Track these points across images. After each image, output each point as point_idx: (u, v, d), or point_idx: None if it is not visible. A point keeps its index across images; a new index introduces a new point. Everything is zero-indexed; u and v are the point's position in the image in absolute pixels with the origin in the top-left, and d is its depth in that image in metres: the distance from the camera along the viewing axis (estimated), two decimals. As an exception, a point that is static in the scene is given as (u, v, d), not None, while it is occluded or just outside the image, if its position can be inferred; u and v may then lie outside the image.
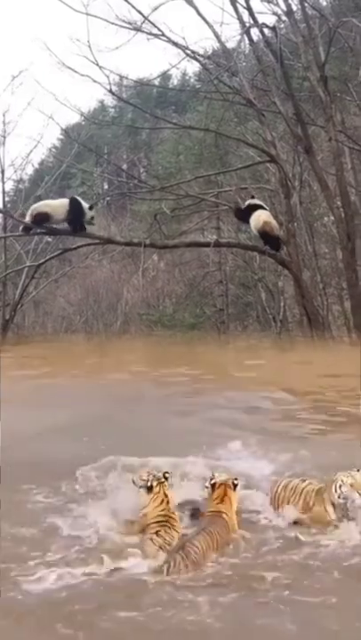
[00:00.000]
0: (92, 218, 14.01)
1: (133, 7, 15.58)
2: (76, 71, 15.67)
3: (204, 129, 17.75)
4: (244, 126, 20.05)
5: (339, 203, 16.13)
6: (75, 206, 13.77)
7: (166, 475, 4.76)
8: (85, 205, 13.92)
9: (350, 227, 15.79)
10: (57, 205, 13.96)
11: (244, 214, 14.36)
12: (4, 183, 21.12)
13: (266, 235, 14.00)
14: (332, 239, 19.77)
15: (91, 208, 13.97)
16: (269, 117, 16.62)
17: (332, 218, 17.66)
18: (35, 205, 14.26)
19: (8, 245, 20.17)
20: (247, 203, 14.48)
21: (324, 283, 21.30)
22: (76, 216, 13.72)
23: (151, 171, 33.05)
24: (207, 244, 17.38)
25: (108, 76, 16.79)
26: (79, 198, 14.46)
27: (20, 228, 14.65)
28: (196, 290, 25.37)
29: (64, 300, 28.25)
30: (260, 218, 13.93)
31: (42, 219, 13.73)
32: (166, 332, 23.49)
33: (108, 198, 32.17)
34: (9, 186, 23.60)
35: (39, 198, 20.23)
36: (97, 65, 15.46)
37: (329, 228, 20.54)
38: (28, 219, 13.93)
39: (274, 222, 14.22)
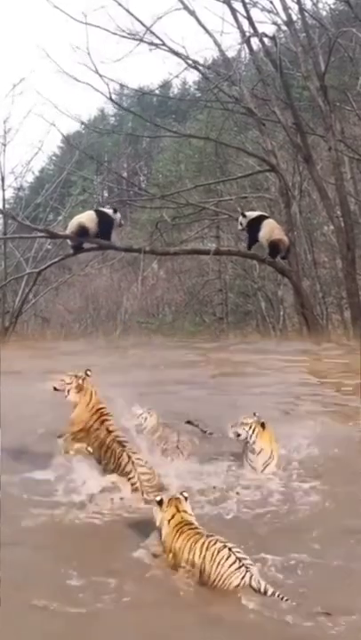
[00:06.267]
0: (121, 220, 13.72)
1: (136, 18, 15.69)
2: (76, 79, 15.73)
3: (204, 137, 17.81)
4: (244, 135, 20.13)
5: (338, 212, 16.13)
6: (102, 217, 13.39)
7: (88, 372, 5.58)
8: (110, 211, 13.56)
9: (350, 236, 15.77)
10: (89, 218, 13.57)
11: (251, 227, 13.78)
12: (4, 191, 20.96)
13: (276, 248, 13.67)
14: (332, 248, 19.77)
15: (115, 211, 13.57)
16: (269, 126, 16.64)
17: (332, 227, 17.66)
18: (73, 220, 13.93)
19: (8, 253, 20.11)
20: (252, 215, 13.98)
21: (324, 292, 21.29)
22: (105, 226, 13.36)
23: (151, 179, 33.14)
24: (208, 252, 17.37)
25: (107, 84, 16.88)
26: (102, 208, 14.08)
27: (71, 246, 14.18)
28: (195, 298, 25.31)
29: (63, 308, 28.19)
30: (274, 231, 13.58)
31: (82, 232, 13.36)
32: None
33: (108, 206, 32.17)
34: (9, 193, 23.55)
35: (39, 206, 20.13)
36: (97, 73, 15.53)
37: (329, 238, 20.54)
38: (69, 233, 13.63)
39: (285, 238, 13.87)
